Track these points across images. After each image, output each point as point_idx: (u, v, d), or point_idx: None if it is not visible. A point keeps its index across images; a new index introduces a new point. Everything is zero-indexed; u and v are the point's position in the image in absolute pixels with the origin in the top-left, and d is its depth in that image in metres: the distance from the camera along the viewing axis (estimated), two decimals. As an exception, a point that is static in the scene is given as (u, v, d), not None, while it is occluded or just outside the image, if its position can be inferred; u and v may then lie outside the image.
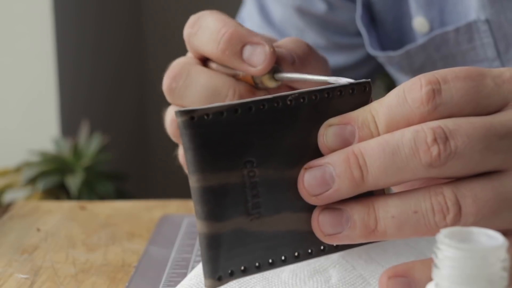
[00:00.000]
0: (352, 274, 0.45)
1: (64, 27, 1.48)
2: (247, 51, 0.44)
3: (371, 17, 0.68)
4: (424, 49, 0.63)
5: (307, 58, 0.47)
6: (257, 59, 0.43)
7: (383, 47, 0.67)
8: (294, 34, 0.73)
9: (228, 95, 0.45)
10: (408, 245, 0.48)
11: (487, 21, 0.59)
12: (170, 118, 0.48)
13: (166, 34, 2.07)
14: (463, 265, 0.28)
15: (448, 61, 0.63)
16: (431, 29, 0.63)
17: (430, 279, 0.35)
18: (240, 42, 0.44)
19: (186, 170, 0.49)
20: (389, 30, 0.67)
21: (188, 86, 0.46)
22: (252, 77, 0.45)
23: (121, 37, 1.89)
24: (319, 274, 0.45)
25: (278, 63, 0.45)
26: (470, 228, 0.30)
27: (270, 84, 0.45)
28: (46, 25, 1.42)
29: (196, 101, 0.46)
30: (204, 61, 0.48)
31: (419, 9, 0.64)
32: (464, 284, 0.28)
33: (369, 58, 0.74)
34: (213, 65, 0.47)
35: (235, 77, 0.46)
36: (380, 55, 0.67)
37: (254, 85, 0.45)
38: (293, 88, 0.48)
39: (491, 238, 0.29)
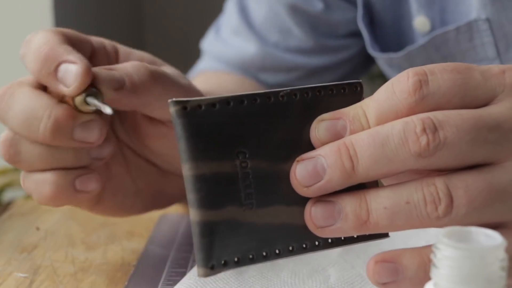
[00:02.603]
0: (351, 273, 0.45)
1: (64, 25, 1.48)
2: (62, 70, 0.42)
3: (370, 18, 0.68)
4: (424, 50, 0.63)
5: (144, 86, 0.45)
6: (69, 79, 0.42)
7: (382, 48, 0.68)
8: (276, 36, 0.73)
9: (43, 118, 0.43)
10: (407, 245, 0.48)
11: (488, 20, 0.60)
12: (1, 139, 0.45)
13: (166, 34, 2.08)
14: (461, 265, 0.28)
15: (448, 61, 0.63)
16: (432, 28, 0.64)
17: (418, 267, 0.35)
18: (55, 60, 0.43)
19: (31, 196, 0.47)
20: (388, 31, 0.68)
21: (10, 108, 0.44)
22: (73, 99, 0.43)
23: (121, 37, 1.89)
24: (318, 273, 0.45)
25: (100, 86, 0.43)
26: (468, 227, 0.30)
27: (82, 107, 0.43)
28: (47, 24, 1.42)
29: (14, 124, 0.44)
30: None
31: (421, 9, 0.64)
32: (463, 284, 0.29)
33: (349, 59, 0.74)
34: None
35: (62, 99, 0.44)
36: (381, 57, 0.67)
37: (74, 108, 0.43)
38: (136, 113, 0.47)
39: (490, 237, 0.29)
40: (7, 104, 0.44)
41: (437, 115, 0.34)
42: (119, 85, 0.44)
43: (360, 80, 0.38)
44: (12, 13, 1.42)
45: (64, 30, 0.46)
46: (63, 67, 0.42)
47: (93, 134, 0.44)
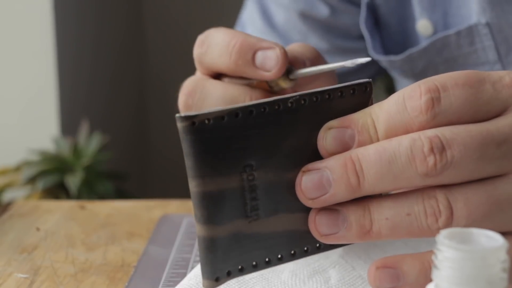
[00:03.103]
0: (351, 274, 0.45)
1: (64, 25, 1.48)
2: (259, 57, 0.44)
3: (375, 20, 0.68)
4: (425, 53, 0.63)
5: (317, 61, 0.47)
6: (270, 63, 0.44)
7: (387, 50, 0.67)
8: (298, 38, 0.73)
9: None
10: (408, 246, 0.48)
11: (488, 24, 0.59)
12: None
13: (166, 32, 2.07)
14: (462, 266, 0.28)
15: (449, 65, 0.63)
16: (435, 32, 0.63)
17: (419, 272, 0.35)
18: (250, 50, 0.44)
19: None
20: (393, 33, 0.67)
21: (205, 100, 0.46)
22: (267, 81, 0.45)
23: (121, 36, 1.89)
24: (319, 274, 0.45)
25: (290, 65, 0.45)
26: (470, 229, 0.30)
27: (286, 84, 0.45)
28: (46, 23, 1.42)
29: None
30: (216, 78, 0.48)
31: (423, 12, 0.63)
32: (464, 285, 0.28)
33: (372, 61, 0.74)
34: (225, 79, 0.48)
35: (249, 86, 0.46)
36: (382, 59, 0.67)
37: (269, 89, 0.46)
38: (305, 89, 0.49)
39: (491, 239, 0.29)
40: (200, 97, 0.46)
41: (445, 133, 0.34)
42: (303, 62, 0.46)
43: (370, 80, 0.37)
44: (12, 11, 1.42)
45: None
46: (260, 54, 0.44)
47: None
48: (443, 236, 0.29)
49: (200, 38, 0.47)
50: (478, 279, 0.28)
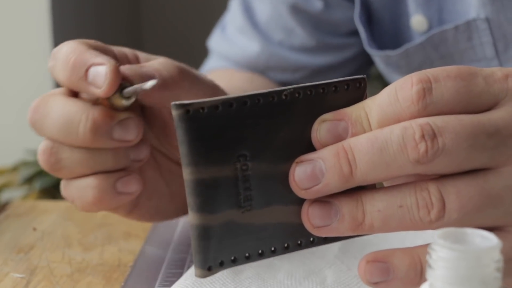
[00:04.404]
0: (347, 274, 0.45)
1: (61, 25, 1.48)
2: (91, 73, 0.43)
3: (368, 16, 0.68)
4: (422, 48, 0.63)
5: (174, 80, 0.45)
6: (100, 80, 0.42)
7: (379, 46, 0.68)
8: (280, 35, 0.73)
9: (81, 121, 0.44)
10: (404, 244, 0.48)
11: (487, 19, 0.60)
12: (41, 148, 0.46)
13: (164, 33, 2.08)
14: (457, 266, 0.28)
15: (446, 61, 0.63)
16: (430, 27, 0.64)
17: (408, 267, 0.35)
18: (84, 65, 0.43)
19: (73, 204, 0.47)
20: (386, 29, 0.68)
21: (46, 116, 0.45)
22: (107, 99, 0.44)
23: (119, 35, 1.89)
24: (315, 274, 0.45)
25: (132, 81, 0.43)
26: (464, 229, 0.30)
27: (120, 102, 0.44)
28: (44, 23, 1.42)
29: (52, 132, 0.45)
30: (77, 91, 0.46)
31: (418, 7, 0.64)
32: (458, 285, 0.29)
33: (353, 58, 0.74)
34: (82, 93, 0.46)
35: (96, 102, 0.45)
36: (378, 54, 0.67)
37: (110, 107, 0.44)
38: (146, 107, 0.47)
39: (485, 239, 0.29)
40: (42, 114, 0.45)
41: (436, 121, 0.34)
42: (150, 79, 0.44)
43: (364, 76, 0.38)
44: (9, 11, 1.42)
45: (88, 40, 0.46)
46: (92, 70, 0.43)
47: (131, 132, 0.45)
48: (437, 236, 0.29)
49: (53, 51, 0.46)
50: (472, 279, 0.28)
